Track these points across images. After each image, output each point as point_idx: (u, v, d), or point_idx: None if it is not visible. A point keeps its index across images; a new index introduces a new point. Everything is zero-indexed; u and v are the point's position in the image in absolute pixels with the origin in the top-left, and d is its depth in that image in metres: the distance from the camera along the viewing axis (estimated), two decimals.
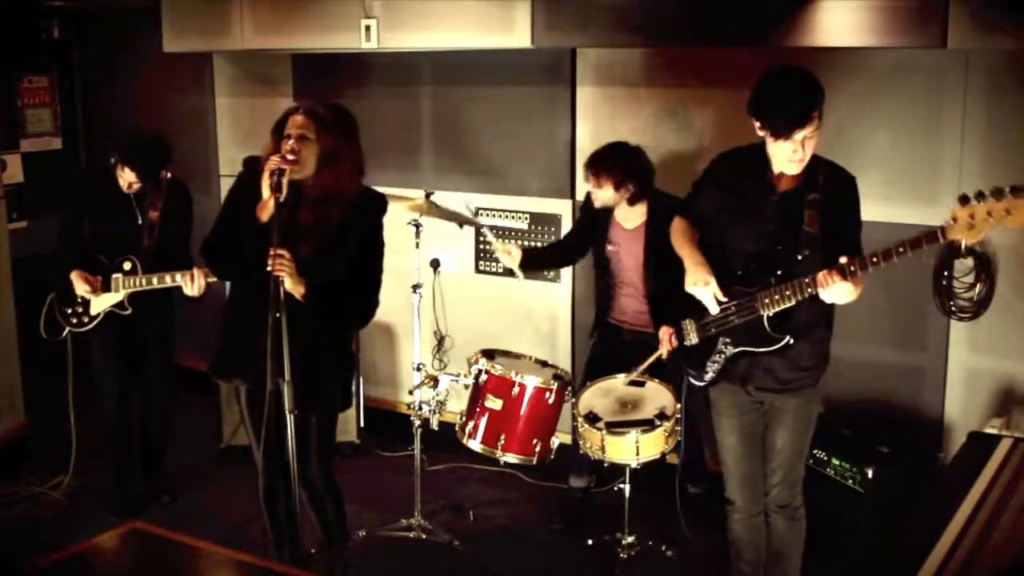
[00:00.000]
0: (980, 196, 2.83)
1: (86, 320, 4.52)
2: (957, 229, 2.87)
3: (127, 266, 4.44)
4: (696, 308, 3.42)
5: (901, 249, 2.95)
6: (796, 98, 3.10)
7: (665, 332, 4.01)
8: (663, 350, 4.01)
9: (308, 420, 3.52)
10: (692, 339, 3.48)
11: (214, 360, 3.61)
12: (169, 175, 4.56)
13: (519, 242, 4.84)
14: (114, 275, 4.44)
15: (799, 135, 3.11)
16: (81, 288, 4.44)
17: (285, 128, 3.36)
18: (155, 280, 4.36)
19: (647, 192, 4.29)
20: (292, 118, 3.36)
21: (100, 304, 4.48)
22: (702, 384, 3.49)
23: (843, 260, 3.03)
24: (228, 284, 3.65)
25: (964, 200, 2.85)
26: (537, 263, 4.70)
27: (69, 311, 4.53)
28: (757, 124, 3.19)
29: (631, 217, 4.34)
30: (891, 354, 4.40)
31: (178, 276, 4.28)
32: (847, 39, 3.81)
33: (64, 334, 4.55)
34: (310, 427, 3.54)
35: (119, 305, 4.48)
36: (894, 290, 4.29)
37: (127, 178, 4.46)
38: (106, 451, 4.73)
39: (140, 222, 4.49)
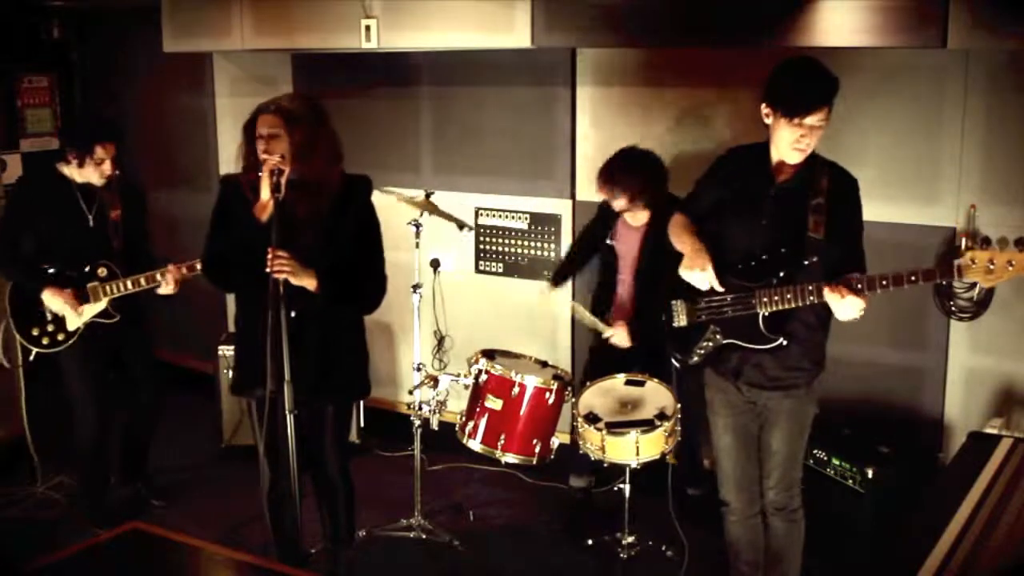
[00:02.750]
0: (1003, 243, 2.87)
1: (61, 338, 4.31)
2: (974, 272, 2.94)
3: (102, 272, 4.28)
4: (686, 294, 3.43)
5: (913, 278, 3.01)
6: (817, 81, 3.12)
7: (621, 326, 4.29)
8: (607, 331, 4.30)
9: (324, 412, 3.53)
10: (681, 321, 3.48)
11: (233, 380, 3.65)
12: (118, 173, 4.39)
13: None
14: (90, 284, 4.27)
15: (810, 119, 3.11)
16: (59, 305, 4.24)
17: (256, 128, 3.34)
18: (130, 284, 4.24)
19: (662, 197, 4.28)
20: (262, 117, 3.34)
21: (80, 317, 4.30)
22: (687, 366, 3.50)
23: (854, 276, 3.06)
24: (236, 302, 3.65)
25: (985, 243, 2.89)
26: (566, 277, 4.80)
27: (36, 332, 4.32)
28: (768, 109, 3.18)
29: (639, 217, 4.34)
30: (891, 354, 4.40)
31: (157, 275, 4.19)
32: (847, 39, 3.81)
33: (31, 358, 4.35)
34: (326, 418, 3.56)
35: (103, 314, 4.31)
36: (894, 290, 4.28)
37: (105, 159, 4.24)
38: (80, 467, 4.56)
39: (91, 224, 4.31)
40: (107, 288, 4.29)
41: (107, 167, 4.29)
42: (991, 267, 2.90)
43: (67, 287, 4.28)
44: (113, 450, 4.70)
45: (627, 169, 4.23)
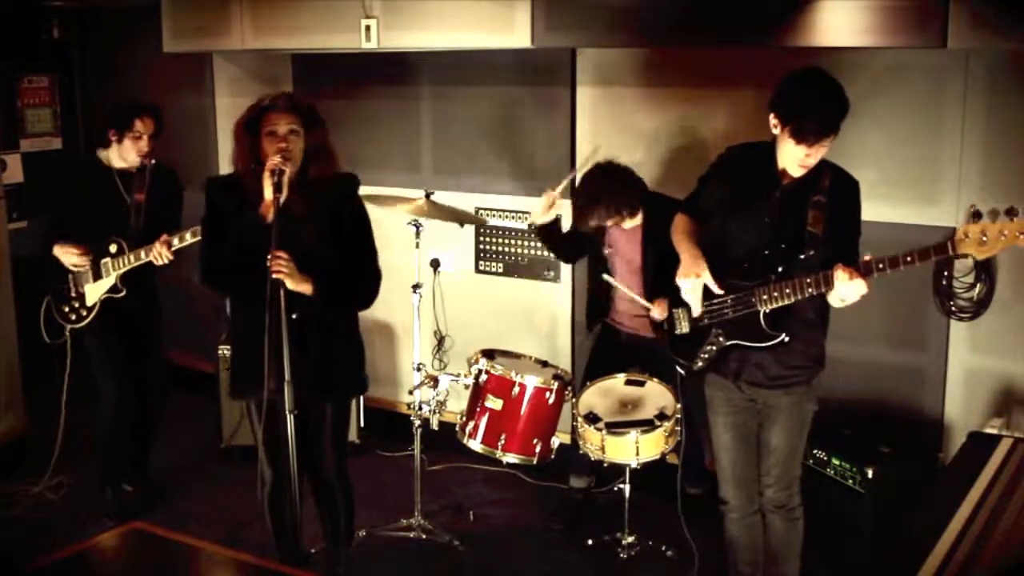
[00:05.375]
0: (994, 214, 2.88)
1: (84, 313, 4.47)
2: (968, 244, 2.94)
3: (113, 248, 4.38)
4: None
5: (909, 258, 3.00)
6: (830, 109, 3.11)
7: (660, 303, 3.92)
8: (654, 312, 3.96)
9: (323, 412, 3.54)
10: (683, 328, 3.49)
11: (231, 383, 3.63)
12: (154, 161, 4.51)
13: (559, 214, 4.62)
14: (103, 260, 4.39)
15: (819, 143, 3.12)
16: (70, 258, 4.37)
17: (264, 125, 3.33)
18: (132, 258, 4.34)
19: (639, 206, 4.27)
20: (272, 115, 3.34)
21: (95, 292, 4.43)
22: (692, 371, 3.50)
23: (867, 258, 3.06)
24: (228, 304, 3.65)
25: (976, 216, 2.90)
26: (551, 238, 4.57)
27: (67, 308, 4.50)
28: (777, 121, 3.18)
29: (629, 222, 4.33)
30: (891, 354, 4.40)
31: (142, 253, 4.31)
32: (847, 39, 3.81)
33: (66, 334, 4.51)
34: (324, 419, 3.55)
35: (112, 289, 4.42)
36: (893, 290, 4.29)
37: (143, 134, 4.38)
38: (100, 450, 4.67)
39: (128, 206, 4.44)
40: (117, 263, 4.39)
41: (144, 144, 4.42)
42: (984, 239, 2.91)
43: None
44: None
45: (599, 193, 4.19)
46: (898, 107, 4.23)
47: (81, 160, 4.63)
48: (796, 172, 3.23)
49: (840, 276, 3.07)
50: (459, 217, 4.56)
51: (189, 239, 4.20)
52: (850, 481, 4.00)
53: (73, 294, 4.48)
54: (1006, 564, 2.45)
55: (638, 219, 4.30)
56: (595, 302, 4.56)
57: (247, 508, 4.06)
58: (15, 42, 6.22)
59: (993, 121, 4.06)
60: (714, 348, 3.40)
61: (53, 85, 6.48)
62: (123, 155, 4.45)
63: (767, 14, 3.93)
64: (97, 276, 4.42)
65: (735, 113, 4.53)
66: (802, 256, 3.21)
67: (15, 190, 6.00)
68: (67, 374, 4.59)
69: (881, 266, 3.04)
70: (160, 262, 4.30)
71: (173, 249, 4.27)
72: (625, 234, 4.35)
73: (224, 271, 3.43)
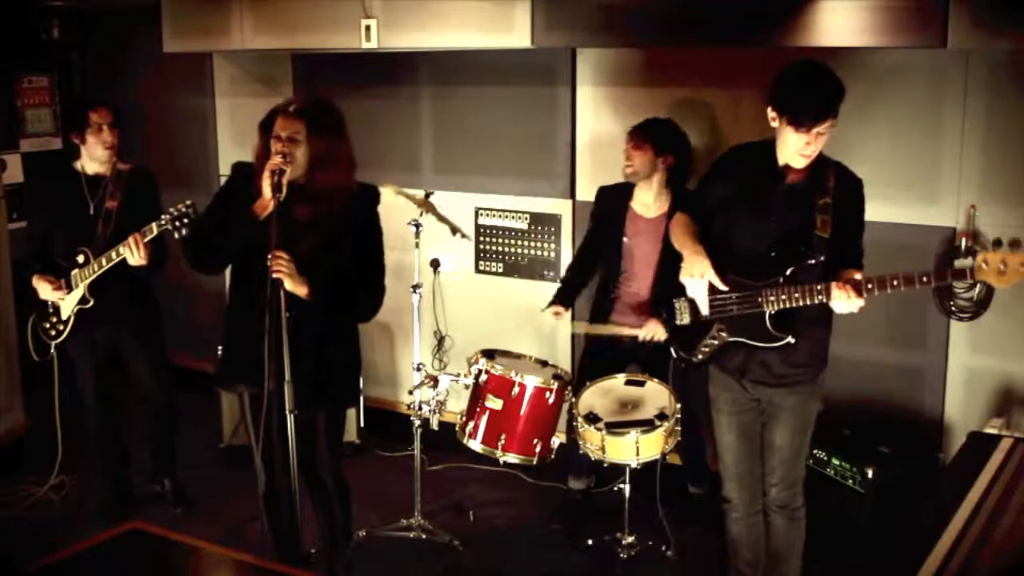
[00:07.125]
0: (1014, 244, 2.89)
1: (61, 328, 4.41)
2: (986, 273, 2.95)
3: (80, 259, 4.30)
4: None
5: (924, 279, 3.02)
6: (824, 91, 3.12)
7: (653, 323, 4.13)
8: (642, 333, 4.14)
9: (316, 418, 3.53)
10: (684, 319, 3.48)
11: (217, 372, 3.62)
12: (128, 165, 4.45)
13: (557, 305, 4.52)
14: (72, 272, 4.32)
15: (817, 128, 3.13)
16: (46, 291, 4.32)
17: (274, 127, 3.33)
18: (103, 261, 4.22)
19: (682, 173, 4.29)
20: (280, 118, 3.33)
21: (67, 306, 4.37)
22: (691, 364, 3.51)
23: (858, 277, 3.11)
24: (228, 296, 3.64)
25: (996, 244, 2.90)
26: (573, 296, 4.58)
27: (47, 325, 4.44)
28: (775, 113, 3.19)
29: (653, 206, 4.33)
30: (891, 354, 4.40)
31: (121, 248, 4.14)
32: (847, 39, 3.81)
33: (52, 350, 4.47)
34: (318, 425, 3.55)
35: (81, 300, 4.34)
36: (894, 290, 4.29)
37: (102, 124, 4.29)
38: (93, 456, 4.67)
39: (92, 212, 4.33)
40: (84, 273, 4.31)
41: (107, 135, 4.34)
42: (1003, 268, 2.92)
43: (61, 276, 4.35)
44: (133, 446, 4.75)
45: (659, 127, 4.27)
46: (898, 107, 4.23)
47: (56, 168, 4.52)
48: (798, 164, 3.23)
49: (836, 295, 3.12)
50: (452, 226, 4.50)
51: (156, 230, 4.02)
52: (850, 481, 4.00)
53: (51, 309, 4.42)
54: (1006, 564, 2.45)
55: (665, 203, 4.28)
56: (598, 306, 4.54)
57: (247, 508, 4.07)
58: (15, 42, 6.22)
59: (993, 121, 4.06)
60: (715, 342, 3.40)
61: (53, 85, 6.47)
62: (92, 154, 4.35)
63: (767, 14, 3.93)
64: (70, 289, 4.34)
65: (735, 113, 4.53)
66: (812, 261, 3.21)
67: (15, 190, 6.00)
68: (56, 388, 4.55)
69: (896, 283, 3.06)
70: (135, 260, 4.10)
71: (146, 240, 4.07)
72: (648, 223, 4.32)
73: (199, 246, 3.46)
